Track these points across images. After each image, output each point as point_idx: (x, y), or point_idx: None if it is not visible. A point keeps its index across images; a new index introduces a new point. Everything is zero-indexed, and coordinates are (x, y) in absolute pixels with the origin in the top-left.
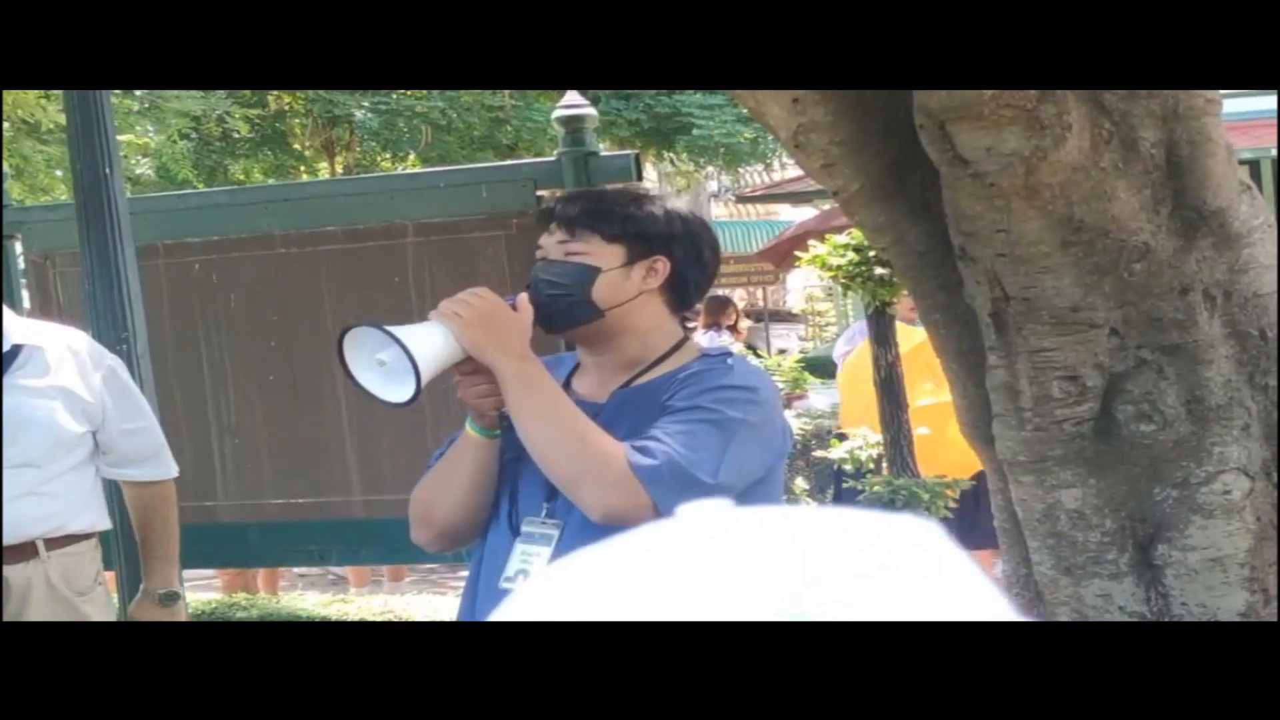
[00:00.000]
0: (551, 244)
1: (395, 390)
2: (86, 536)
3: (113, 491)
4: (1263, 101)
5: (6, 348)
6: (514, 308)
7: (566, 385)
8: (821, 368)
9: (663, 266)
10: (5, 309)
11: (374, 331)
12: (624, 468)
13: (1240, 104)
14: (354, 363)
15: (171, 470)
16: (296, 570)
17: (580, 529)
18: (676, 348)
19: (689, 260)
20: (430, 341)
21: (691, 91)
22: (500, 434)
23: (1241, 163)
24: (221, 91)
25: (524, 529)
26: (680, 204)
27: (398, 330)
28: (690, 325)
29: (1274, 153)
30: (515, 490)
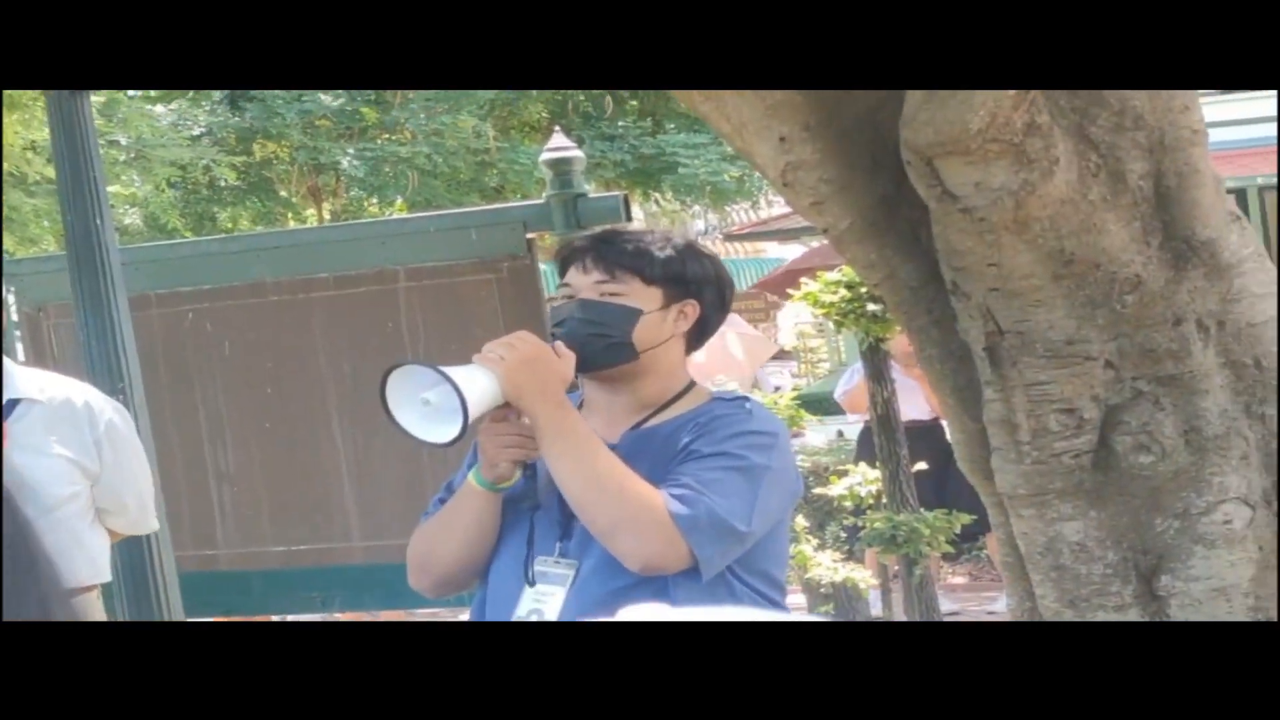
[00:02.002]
0: (587, 283)
1: (436, 430)
2: (86, 590)
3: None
4: (1250, 131)
5: (4, 400)
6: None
7: None
8: (817, 404)
9: (692, 310)
10: (6, 360)
11: (423, 370)
12: (664, 516)
13: (1227, 133)
14: (395, 401)
15: (152, 526)
16: (291, 618)
17: (597, 571)
18: (687, 389)
19: (715, 303)
20: (475, 383)
21: (675, 130)
22: (504, 489)
23: (1228, 192)
24: (207, 140)
25: (536, 568)
26: (704, 245)
27: (449, 370)
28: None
29: (1259, 181)
30: (532, 536)
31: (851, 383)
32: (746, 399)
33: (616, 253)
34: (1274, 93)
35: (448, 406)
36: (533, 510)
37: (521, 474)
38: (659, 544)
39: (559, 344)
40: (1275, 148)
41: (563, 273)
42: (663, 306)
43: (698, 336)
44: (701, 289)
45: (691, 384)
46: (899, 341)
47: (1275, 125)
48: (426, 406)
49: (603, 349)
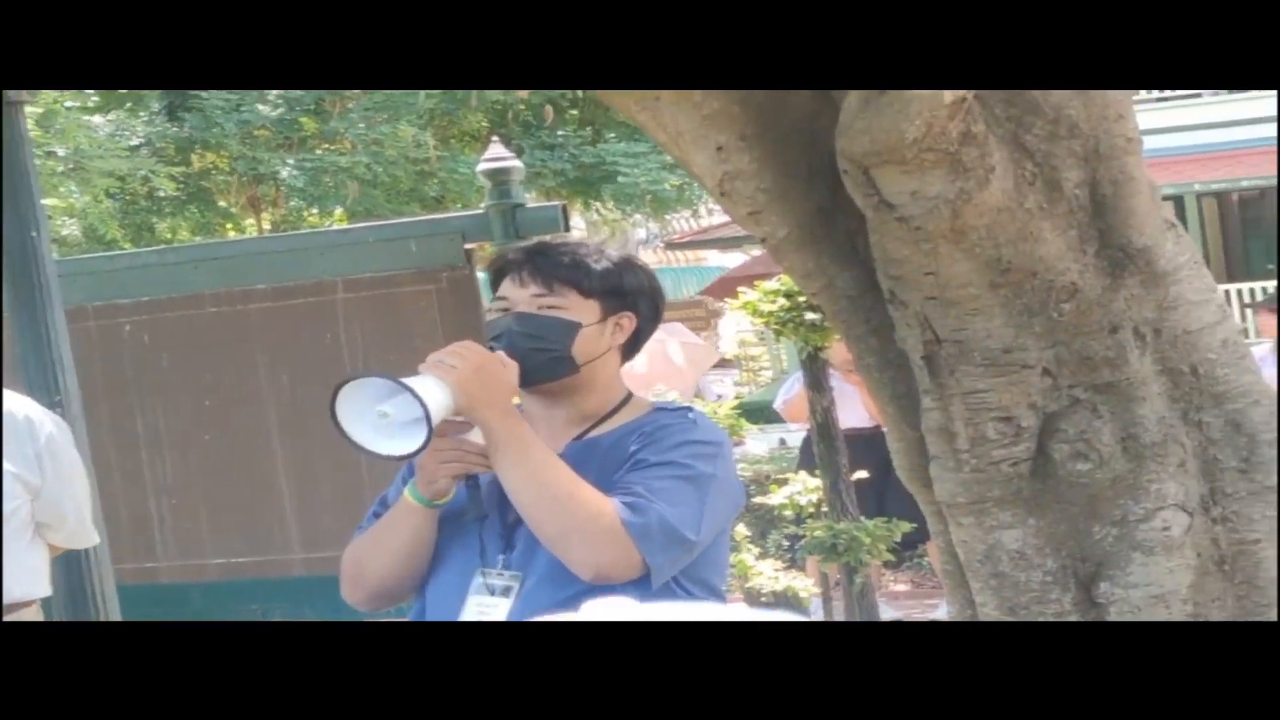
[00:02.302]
0: (524, 297)
1: (395, 444)
2: (25, 604)
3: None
4: (1186, 138)
5: None
6: None
7: None
8: (758, 413)
9: (629, 322)
10: None
11: (379, 381)
12: (616, 525)
13: (1164, 141)
14: (347, 416)
15: (91, 539)
16: None
17: (543, 581)
18: (625, 401)
19: (649, 315)
20: (432, 393)
21: (615, 139)
22: (441, 505)
23: (1164, 199)
24: (145, 150)
25: (478, 580)
26: (638, 256)
27: (406, 380)
28: None
29: (1196, 188)
30: (483, 548)
31: (791, 392)
32: (689, 409)
33: (553, 265)
34: (1210, 99)
35: (406, 418)
36: (477, 521)
37: (464, 486)
38: (611, 552)
39: (502, 353)
40: (1212, 155)
41: (496, 285)
42: (600, 319)
43: (632, 348)
44: (637, 301)
45: (629, 395)
46: (838, 349)
47: (1220, 133)
48: (383, 420)
49: (543, 363)
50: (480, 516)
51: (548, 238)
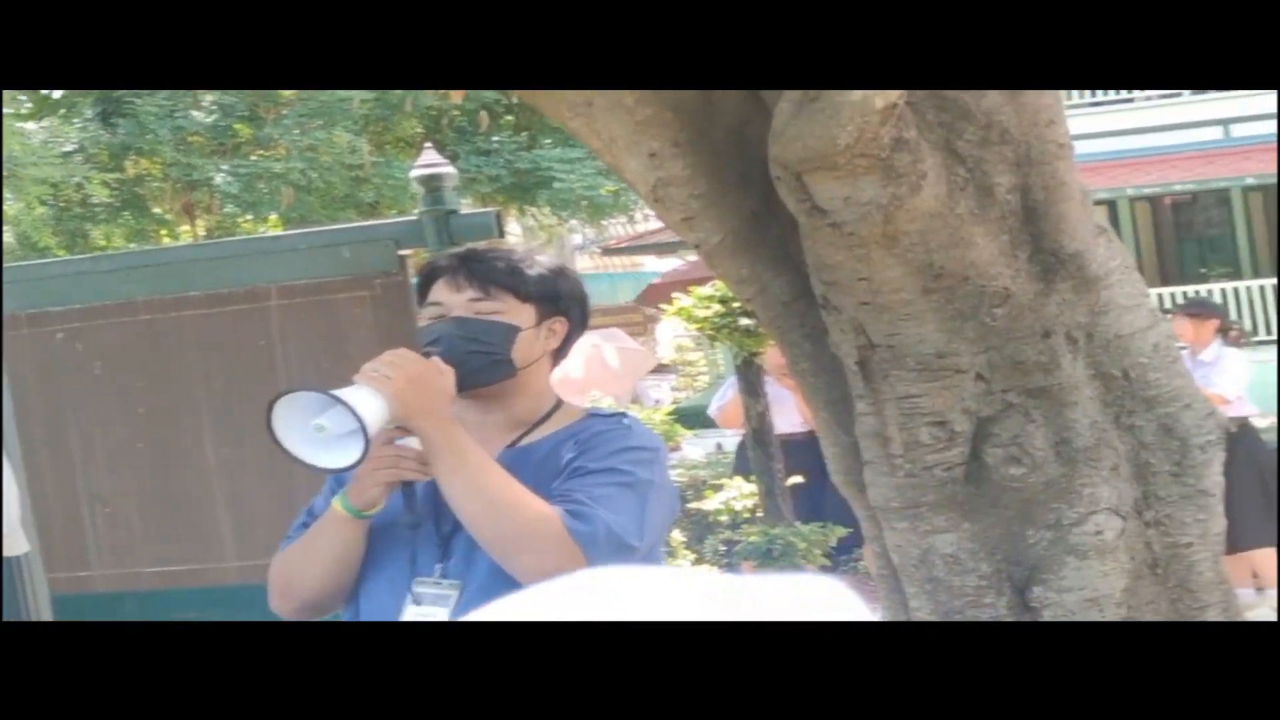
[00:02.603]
0: (460, 301)
1: (332, 456)
2: None
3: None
4: (1120, 143)
5: None
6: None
7: None
8: (694, 419)
9: (560, 327)
10: None
11: (312, 395)
12: (562, 532)
13: (1097, 145)
14: (284, 431)
15: (23, 548)
16: None
17: (483, 589)
18: (556, 407)
19: (578, 321)
20: (368, 405)
21: (551, 145)
22: (370, 515)
23: (1097, 204)
24: (79, 157)
25: (415, 589)
26: (566, 262)
27: (340, 393)
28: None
29: (1129, 193)
30: (418, 557)
31: (725, 398)
32: (624, 415)
33: (489, 270)
34: (1142, 103)
35: (342, 430)
36: (411, 529)
37: (400, 494)
38: (557, 559)
39: (438, 360)
40: (1145, 160)
41: (426, 290)
42: (536, 324)
43: (562, 354)
44: (569, 306)
45: (559, 402)
46: (772, 354)
47: (1153, 137)
48: (321, 433)
49: (484, 366)
50: (414, 525)
51: (479, 244)
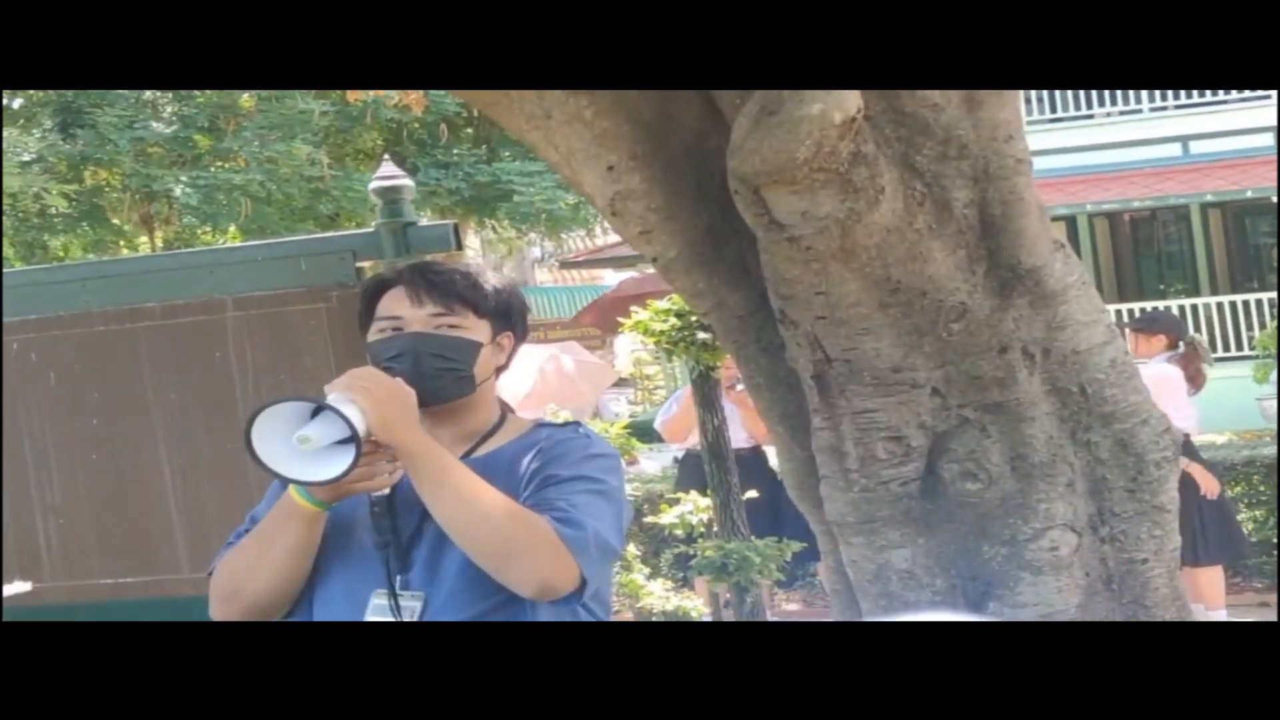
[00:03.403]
0: (421, 316)
1: (318, 469)
2: None
3: None
4: (1079, 158)
5: None
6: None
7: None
8: (650, 433)
9: (508, 342)
10: None
11: (293, 406)
12: (554, 539)
13: (1056, 161)
14: (263, 446)
15: None
16: None
17: (453, 597)
18: (503, 419)
19: (521, 336)
20: (354, 416)
21: (510, 158)
22: (330, 507)
23: (1056, 219)
24: (38, 167)
25: (374, 601)
26: (513, 279)
27: (331, 401)
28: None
29: (1088, 209)
30: (373, 566)
31: (669, 412)
32: (577, 424)
33: (449, 285)
34: (1102, 120)
35: (329, 441)
36: (382, 549)
37: (370, 509)
38: (554, 567)
39: (399, 379)
40: (1104, 176)
41: (373, 304)
42: (491, 339)
43: (506, 367)
44: (517, 321)
45: (505, 414)
46: (724, 369)
47: (1112, 154)
48: (305, 445)
49: (449, 382)
50: (385, 545)
51: (429, 257)
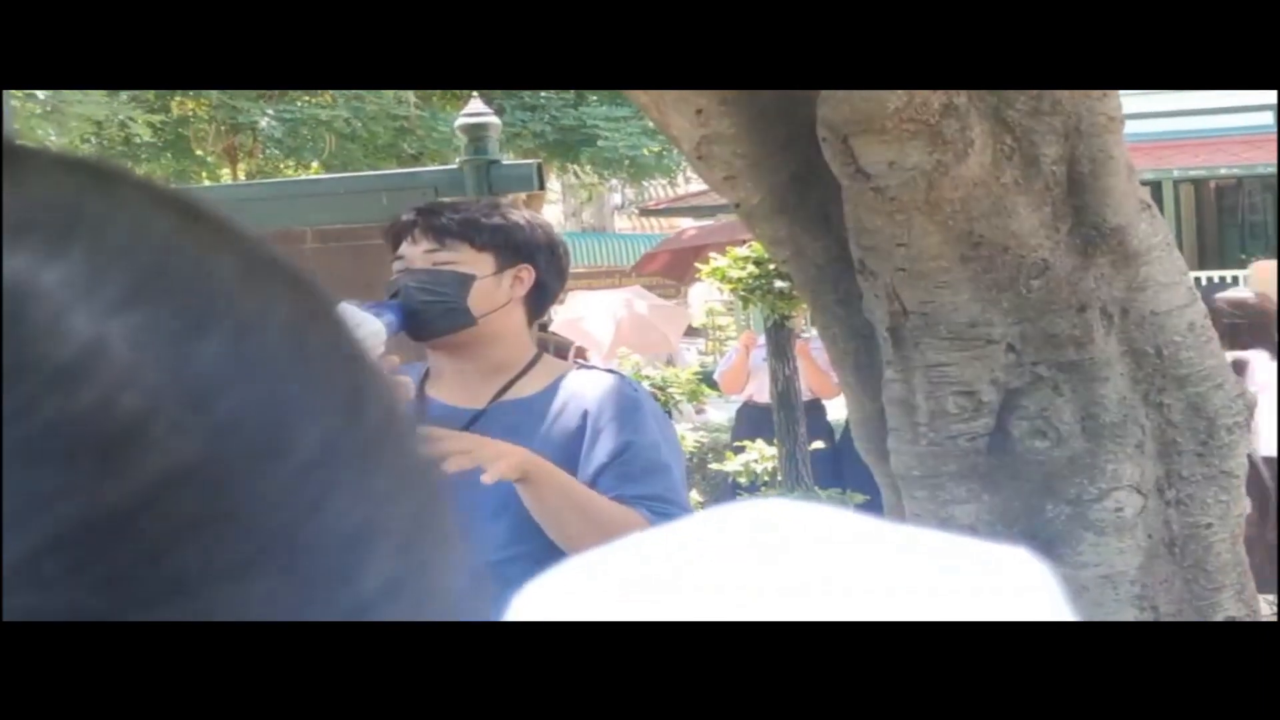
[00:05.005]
0: (417, 253)
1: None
2: None
3: None
4: (1168, 124)
5: None
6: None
7: (421, 392)
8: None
9: (527, 275)
10: None
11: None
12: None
13: (1146, 126)
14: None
15: None
16: None
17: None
18: (538, 358)
19: (551, 270)
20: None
21: (597, 103)
22: None
23: (1143, 183)
24: (124, 95)
25: None
26: (538, 215)
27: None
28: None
29: (1175, 174)
30: None
31: (728, 363)
32: (611, 370)
33: (444, 222)
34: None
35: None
36: None
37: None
38: None
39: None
40: (1190, 141)
41: (395, 247)
42: (496, 272)
43: (537, 303)
44: (534, 254)
45: (540, 354)
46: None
47: (1201, 119)
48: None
49: (439, 315)
50: None
51: (444, 200)
